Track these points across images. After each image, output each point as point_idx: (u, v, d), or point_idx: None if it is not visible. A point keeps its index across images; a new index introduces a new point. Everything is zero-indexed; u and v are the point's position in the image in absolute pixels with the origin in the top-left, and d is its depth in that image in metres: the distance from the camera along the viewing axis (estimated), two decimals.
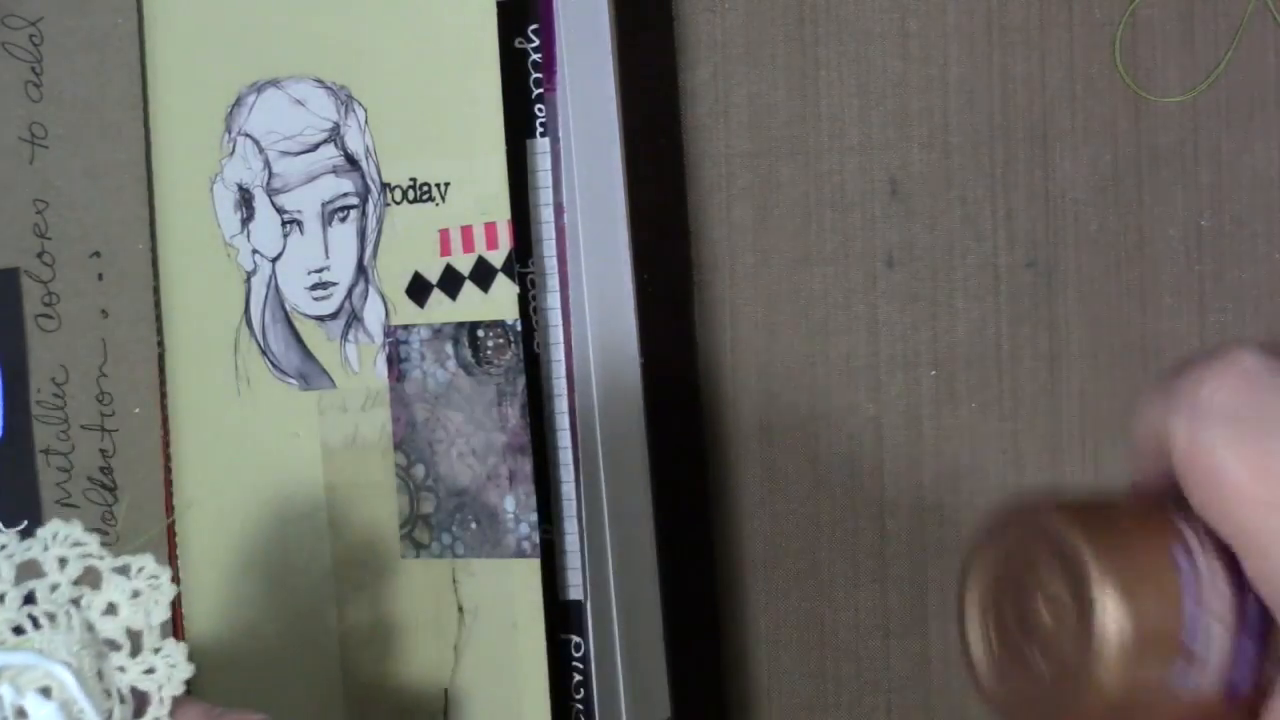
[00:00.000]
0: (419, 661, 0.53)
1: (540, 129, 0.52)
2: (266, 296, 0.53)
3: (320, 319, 0.53)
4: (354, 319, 0.53)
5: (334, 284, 0.53)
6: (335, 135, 0.53)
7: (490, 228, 0.52)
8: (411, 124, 0.53)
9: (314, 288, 0.53)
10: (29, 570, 0.37)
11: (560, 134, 0.52)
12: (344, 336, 0.53)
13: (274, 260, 0.53)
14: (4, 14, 0.52)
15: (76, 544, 0.37)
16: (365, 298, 0.53)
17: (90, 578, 0.37)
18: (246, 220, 0.53)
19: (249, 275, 0.53)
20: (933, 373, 0.57)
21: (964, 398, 0.57)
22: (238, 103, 0.53)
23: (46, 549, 0.37)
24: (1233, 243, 0.57)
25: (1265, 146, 0.57)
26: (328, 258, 0.53)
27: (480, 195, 0.52)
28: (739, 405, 0.57)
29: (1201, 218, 0.57)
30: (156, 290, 0.53)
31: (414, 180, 0.52)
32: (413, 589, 0.53)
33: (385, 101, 0.53)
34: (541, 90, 0.52)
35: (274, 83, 0.53)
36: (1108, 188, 0.57)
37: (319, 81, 0.53)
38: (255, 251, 0.53)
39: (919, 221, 0.57)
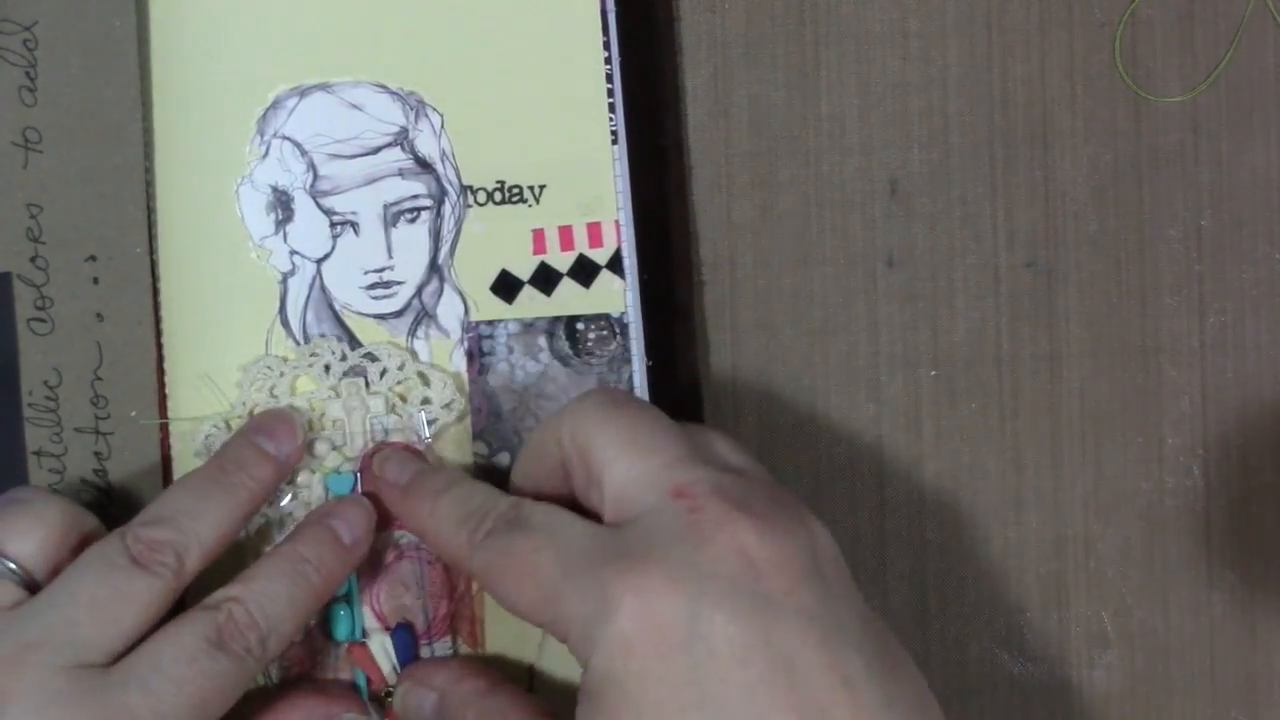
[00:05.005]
0: (504, 643, 0.54)
1: (612, 136, 0.54)
2: (309, 296, 0.54)
3: (381, 317, 0.54)
4: (425, 315, 0.54)
5: (399, 283, 0.54)
6: (403, 139, 0.54)
7: (594, 227, 0.54)
8: (499, 129, 0.54)
9: (372, 286, 0.54)
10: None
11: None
12: (412, 333, 0.54)
13: (319, 261, 0.54)
14: None
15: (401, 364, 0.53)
16: (439, 295, 0.54)
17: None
18: (283, 222, 0.53)
19: (285, 276, 0.53)
20: (933, 373, 0.57)
21: (964, 398, 0.58)
22: (274, 105, 0.53)
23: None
24: (1233, 243, 0.58)
25: (1265, 146, 0.57)
26: (391, 257, 0.54)
27: (581, 197, 0.54)
28: (739, 405, 0.57)
29: (1201, 218, 0.58)
30: (156, 294, 0.53)
31: (501, 183, 0.54)
32: None
33: (466, 108, 0.54)
34: (612, 100, 0.54)
35: (323, 87, 0.54)
36: (1108, 188, 0.57)
37: (381, 86, 0.54)
38: (294, 253, 0.53)
39: (919, 221, 0.57)
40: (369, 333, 0.54)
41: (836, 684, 0.41)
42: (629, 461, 0.45)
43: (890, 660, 0.43)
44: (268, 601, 0.47)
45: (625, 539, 0.44)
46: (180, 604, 0.48)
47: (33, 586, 0.47)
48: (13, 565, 0.47)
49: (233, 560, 0.52)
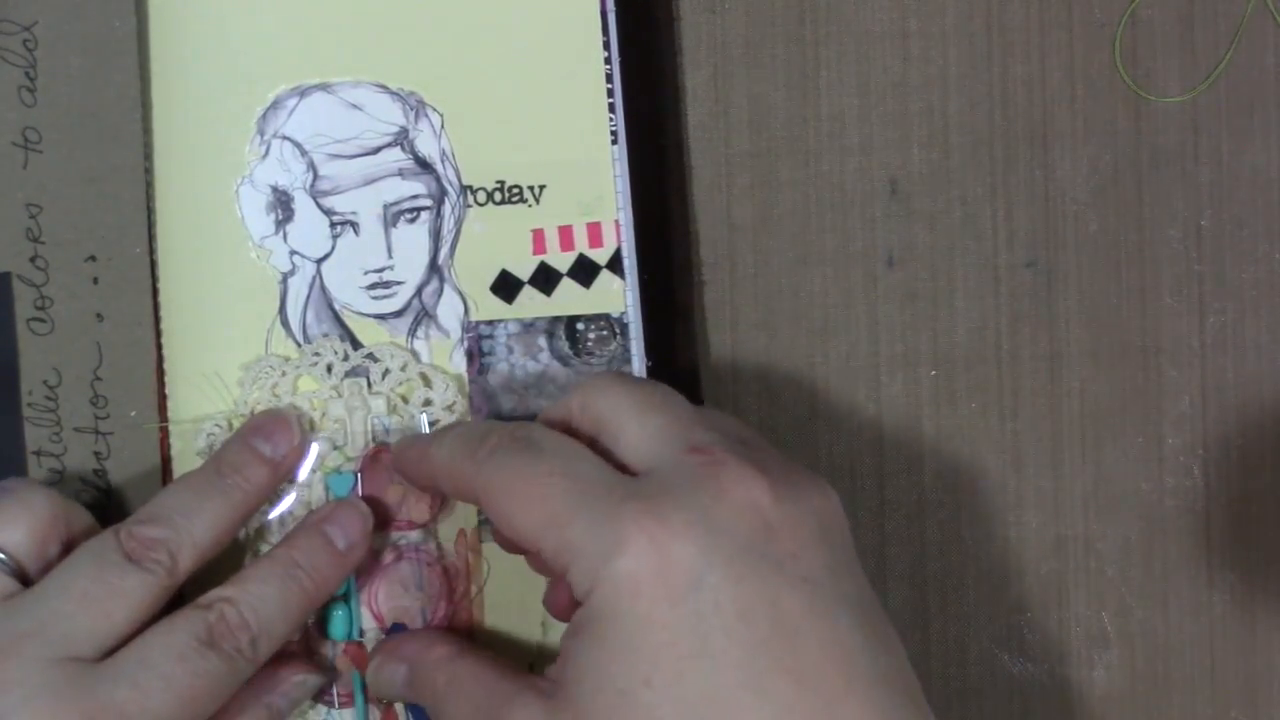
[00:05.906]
0: (502, 645, 0.54)
1: (612, 136, 0.55)
2: (309, 296, 0.54)
3: (381, 317, 0.54)
4: (425, 315, 0.54)
5: (399, 283, 0.54)
6: (403, 139, 0.54)
7: (594, 227, 0.54)
8: (499, 129, 0.54)
9: (373, 286, 0.54)
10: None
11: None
12: (412, 333, 0.54)
13: (319, 261, 0.54)
14: None
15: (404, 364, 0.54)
16: (439, 295, 0.54)
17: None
18: (283, 222, 0.53)
19: (285, 276, 0.54)
20: (933, 373, 0.57)
21: (964, 398, 0.58)
22: (274, 105, 0.53)
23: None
24: (1233, 243, 0.58)
25: (1265, 146, 0.57)
26: (391, 257, 0.54)
27: (582, 197, 0.54)
28: (739, 405, 0.57)
29: (1201, 218, 0.58)
30: (156, 294, 0.53)
31: (501, 183, 0.54)
32: (496, 572, 0.54)
33: (466, 108, 0.54)
34: (612, 100, 0.55)
35: (323, 87, 0.54)
36: (1108, 188, 0.57)
37: (381, 86, 0.54)
38: (295, 253, 0.54)
39: (919, 221, 0.57)
40: (369, 333, 0.54)
41: (837, 657, 0.42)
42: (644, 421, 0.45)
43: (882, 632, 0.44)
44: (260, 604, 0.47)
45: (642, 483, 0.44)
46: (177, 604, 0.48)
47: (22, 577, 0.47)
48: (2, 556, 0.47)
49: (231, 561, 0.52)
